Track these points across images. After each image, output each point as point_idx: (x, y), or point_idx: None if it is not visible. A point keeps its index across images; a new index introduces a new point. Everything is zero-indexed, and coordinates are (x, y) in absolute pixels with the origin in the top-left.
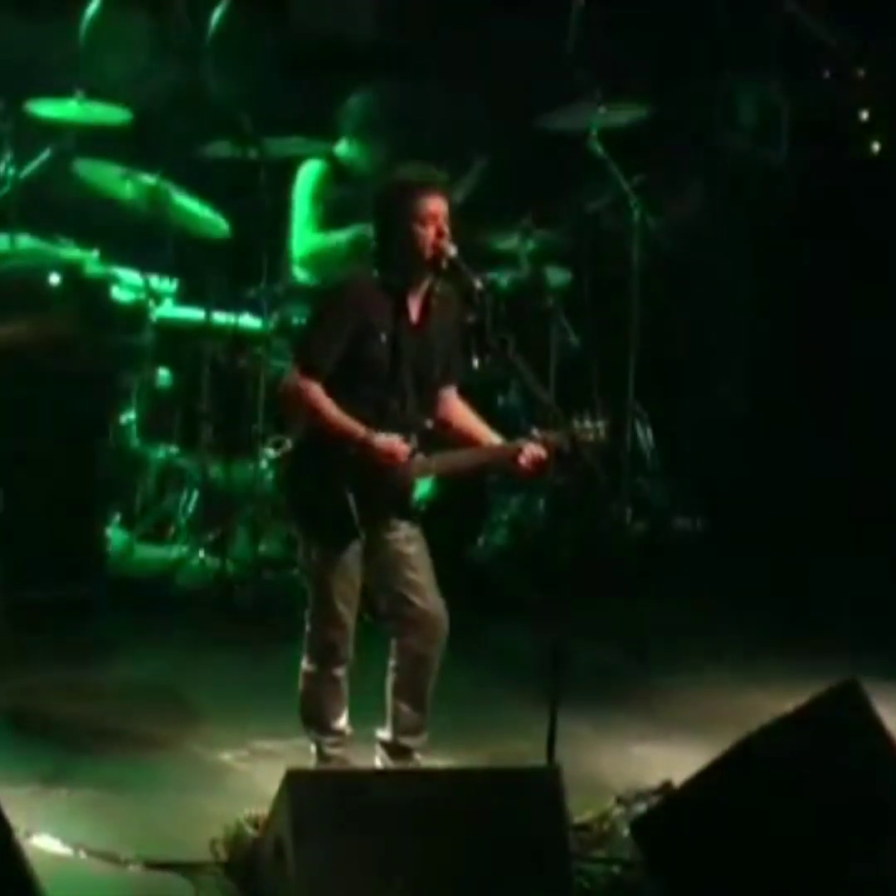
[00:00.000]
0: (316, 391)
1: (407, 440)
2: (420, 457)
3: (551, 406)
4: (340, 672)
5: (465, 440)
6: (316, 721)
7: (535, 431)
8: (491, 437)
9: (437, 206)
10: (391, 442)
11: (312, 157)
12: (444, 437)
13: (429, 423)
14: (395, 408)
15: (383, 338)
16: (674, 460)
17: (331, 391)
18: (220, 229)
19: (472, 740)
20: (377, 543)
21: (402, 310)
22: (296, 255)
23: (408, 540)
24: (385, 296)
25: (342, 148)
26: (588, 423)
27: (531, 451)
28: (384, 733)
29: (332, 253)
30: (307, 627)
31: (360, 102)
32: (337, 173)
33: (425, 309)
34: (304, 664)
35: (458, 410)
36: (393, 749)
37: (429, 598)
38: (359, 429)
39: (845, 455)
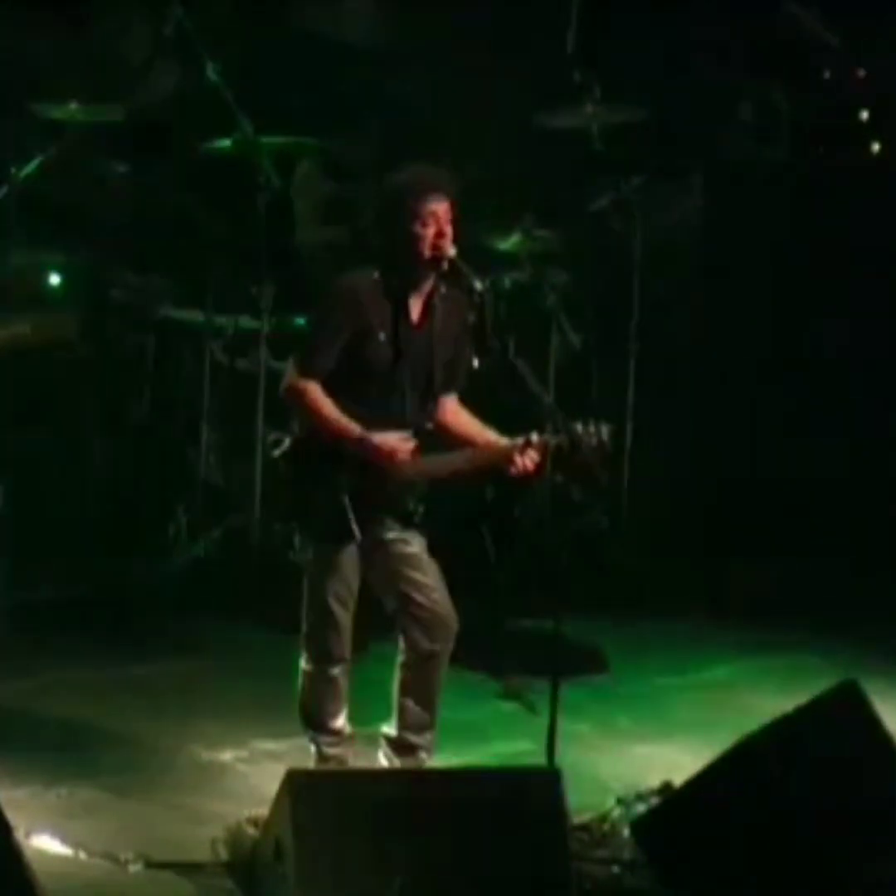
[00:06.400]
0: (314, 391)
1: (408, 440)
2: (415, 458)
3: (552, 407)
4: (337, 672)
5: (465, 445)
6: (313, 720)
7: (533, 434)
8: (491, 440)
9: (437, 206)
10: (388, 440)
11: (309, 154)
12: (446, 442)
13: (429, 425)
14: (395, 408)
15: (382, 338)
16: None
17: (331, 391)
18: (220, 228)
19: (473, 740)
20: (376, 545)
21: (403, 311)
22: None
23: (407, 541)
24: (385, 297)
25: (337, 144)
26: (591, 428)
27: (527, 452)
28: (390, 728)
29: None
30: (303, 627)
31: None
32: (332, 170)
33: (426, 310)
34: (303, 664)
35: (461, 416)
36: (397, 745)
37: (435, 596)
38: (355, 428)
39: (845, 455)
